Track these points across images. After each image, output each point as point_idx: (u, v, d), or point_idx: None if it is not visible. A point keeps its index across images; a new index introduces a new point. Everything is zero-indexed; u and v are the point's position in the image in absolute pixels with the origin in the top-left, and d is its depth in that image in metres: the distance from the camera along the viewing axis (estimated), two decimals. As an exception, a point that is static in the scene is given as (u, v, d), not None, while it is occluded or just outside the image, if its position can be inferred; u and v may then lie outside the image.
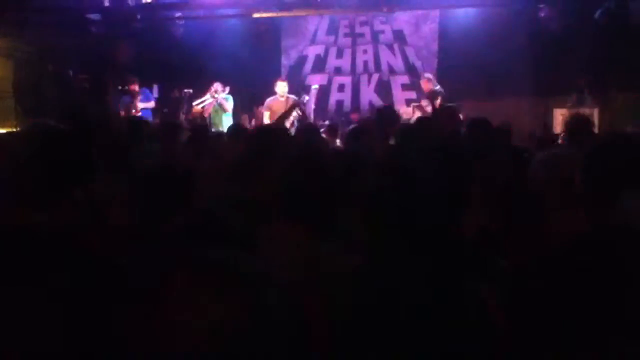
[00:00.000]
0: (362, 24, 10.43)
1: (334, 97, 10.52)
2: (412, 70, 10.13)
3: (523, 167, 2.45)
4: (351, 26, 10.48)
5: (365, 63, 10.47)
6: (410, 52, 10.25)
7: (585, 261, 1.29)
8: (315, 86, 8.89)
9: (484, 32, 8.70)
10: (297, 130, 4.92)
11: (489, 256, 1.78)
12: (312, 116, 8.02)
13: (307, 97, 7.79)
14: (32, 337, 1.11)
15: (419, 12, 9.99)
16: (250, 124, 8.40)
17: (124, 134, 3.54)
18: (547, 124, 8.44)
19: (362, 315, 1.27)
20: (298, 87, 8.28)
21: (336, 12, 9.93)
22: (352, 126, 4.66)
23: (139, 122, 4.52)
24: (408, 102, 9.50)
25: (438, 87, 7.44)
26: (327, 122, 7.72)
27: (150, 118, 8.17)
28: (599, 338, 1.20)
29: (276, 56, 10.52)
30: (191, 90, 8.42)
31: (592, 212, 1.72)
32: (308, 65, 10.61)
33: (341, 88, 10.52)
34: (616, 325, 1.20)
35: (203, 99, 8.07)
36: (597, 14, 7.76)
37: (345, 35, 10.53)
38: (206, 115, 8.01)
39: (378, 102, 10.21)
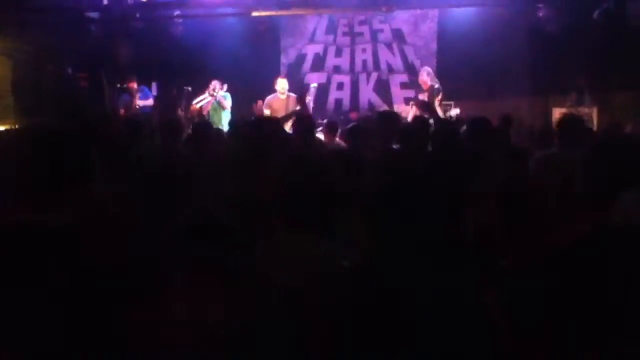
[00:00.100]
0: (361, 23, 10.43)
1: (333, 95, 10.51)
2: (410, 69, 10.12)
3: (523, 167, 2.46)
4: (350, 25, 10.48)
5: (364, 62, 10.46)
6: (409, 51, 10.26)
7: (585, 261, 1.29)
8: (314, 84, 8.88)
9: (482, 32, 8.69)
10: (294, 122, 4.67)
11: (489, 256, 1.78)
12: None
13: (309, 98, 7.74)
14: (32, 337, 1.11)
15: (418, 11, 9.99)
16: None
17: (124, 134, 3.54)
18: (548, 122, 8.44)
19: (362, 315, 1.27)
20: (297, 85, 8.24)
21: (335, 11, 9.94)
22: (351, 124, 4.62)
23: (138, 121, 4.51)
24: (407, 101, 9.52)
25: (437, 85, 7.44)
26: (325, 121, 7.69)
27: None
28: (598, 338, 1.20)
29: (275, 55, 10.50)
30: (190, 88, 8.40)
31: (592, 212, 1.72)
32: (307, 64, 10.60)
33: (340, 87, 10.52)
34: (616, 325, 1.20)
35: (201, 97, 8.06)
36: (595, 14, 7.77)
37: (344, 34, 10.52)
38: (205, 113, 8.00)
39: (377, 100, 10.22)
